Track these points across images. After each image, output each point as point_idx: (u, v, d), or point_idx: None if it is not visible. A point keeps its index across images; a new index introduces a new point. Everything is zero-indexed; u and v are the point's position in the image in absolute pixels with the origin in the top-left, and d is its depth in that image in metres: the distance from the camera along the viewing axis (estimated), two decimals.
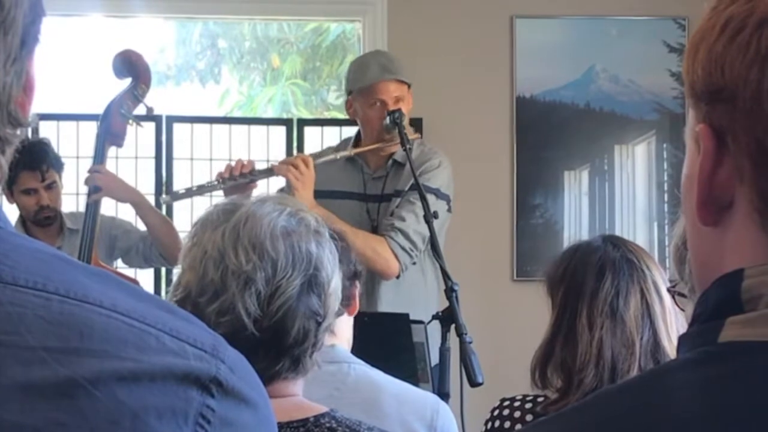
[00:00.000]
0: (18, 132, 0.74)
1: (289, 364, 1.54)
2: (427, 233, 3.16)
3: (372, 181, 3.59)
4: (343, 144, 3.73)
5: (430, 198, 3.35)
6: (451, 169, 3.57)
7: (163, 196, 4.56)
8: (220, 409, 0.69)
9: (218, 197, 3.53)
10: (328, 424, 1.55)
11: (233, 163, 3.47)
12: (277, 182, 4.14)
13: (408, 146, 3.31)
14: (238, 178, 3.40)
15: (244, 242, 1.52)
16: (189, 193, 3.59)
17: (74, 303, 0.68)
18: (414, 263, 3.45)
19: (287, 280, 1.51)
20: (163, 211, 4.73)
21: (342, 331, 2.00)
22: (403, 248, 3.38)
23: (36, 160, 3.74)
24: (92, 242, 3.51)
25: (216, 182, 3.45)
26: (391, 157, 3.55)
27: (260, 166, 3.55)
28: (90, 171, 3.57)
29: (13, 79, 0.72)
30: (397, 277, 3.43)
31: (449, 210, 3.53)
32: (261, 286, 1.50)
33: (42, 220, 3.76)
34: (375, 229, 3.49)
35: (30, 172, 3.74)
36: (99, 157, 3.54)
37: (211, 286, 1.51)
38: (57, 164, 3.81)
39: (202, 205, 4.53)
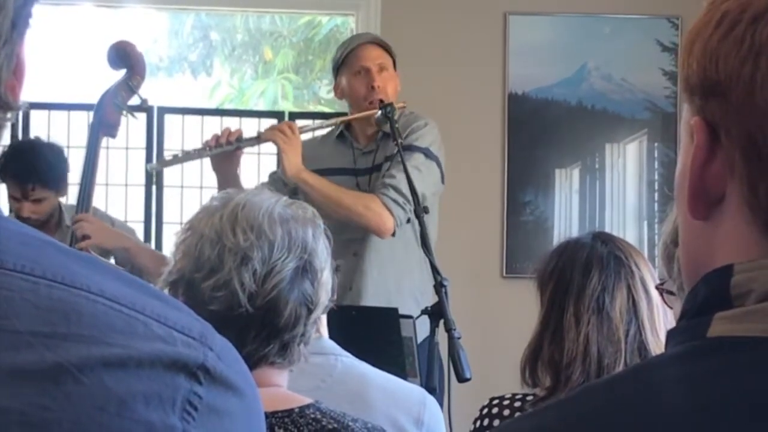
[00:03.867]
0: (8, 115, 0.74)
1: (278, 349, 1.56)
2: (420, 190, 3.13)
3: (362, 156, 3.58)
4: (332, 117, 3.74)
5: (419, 157, 3.36)
6: (438, 132, 3.54)
7: (151, 163, 4.53)
8: (207, 396, 0.69)
9: (210, 189, 3.51)
10: (312, 415, 1.56)
11: (220, 132, 3.45)
12: (268, 164, 4.12)
13: (399, 141, 3.30)
14: (225, 146, 3.38)
15: (242, 224, 1.55)
16: (176, 159, 3.58)
17: (62, 288, 0.68)
18: (409, 219, 3.42)
19: (282, 262, 1.53)
20: (153, 202, 4.72)
21: (323, 326, 2.00)
22: (396, 202, 3.36)
23: (23, 174, 3.63)
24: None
25: (203, 148, 3.43)
26: (380, 130, 3.54)
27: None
28: (74, 219, 3.48)
29: (3, 62, 0.72)
30: (393, 234, 3.41)
31: (442, 180, 3.51)
32: (257, 264, 1.52)
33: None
34: None
35: (13, 183, 3.67)
36: (93, 147, 3.52)
37: (207, 264, 1.54)
38: (51, 182, 3.68)
39: (192, 197, 4.53)
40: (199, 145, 3.49)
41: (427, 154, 3.45)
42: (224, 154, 3.38)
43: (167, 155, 3.66)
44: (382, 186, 3.40)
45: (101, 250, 3.62)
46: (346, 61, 3.54)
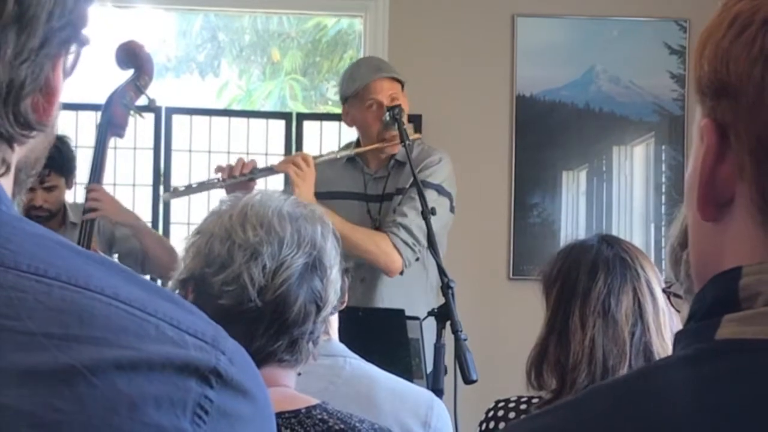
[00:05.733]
0: (32, 134, 0.74)
1: (286, 345, 1.57)
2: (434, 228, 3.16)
3: (373, 182, 3.59)
4: (345, 147, 3.73)
5: (432, 194, 3.35)
6: (452, 167, 3.56)
7: (163, 193, 4.55)
8: (218, 400, 0.69)
9: (218, 191, 3.52)
10: (319, 416, 1.56)
11: (233, 163, 3.46)
12: (277, 181, 4.15)
13: (407, 142, 3.31)
14: (239, 177, 3.39)
15: (252, 220, 1.56)
16: (189, 190, 3.59)
17: (75, 290, 0.68)
18: (417, 259, 3.44)
19: (292, 258, 1.55)
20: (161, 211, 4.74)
21: (333, 328, 2.01)
22: (405, 243, 3.37)
23: None
24: (91, 233, 3.49)
25: (216, 180, 3.44)
26: (393, 157, 3.55)
27: (260, 162, 3.55)
28: (87, 189, 3.53)
29: (26, 78, 0.71)
30: (401, 273, 3.42)
31: (452, 210, 3.53)
32: (267, 258, 1.54)
33: (30, 218, 3.70)
34: (377, 229, 3.48)
35: None
36: (100, 147, 3.53)
37: (218, 260, 1.55)
38: (64, 168, 3.71)
39: (200, 201, 4.53)
40: (213, 176, 3.50)
41: (440, 190, 3.46)
42: (237, 184, 3.39)
43: (180, 186, 3.69)
44: (393, 224, 3.40)
45: (109, 238, 3.65)
46: (357, 94, 3.55)
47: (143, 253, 3.74)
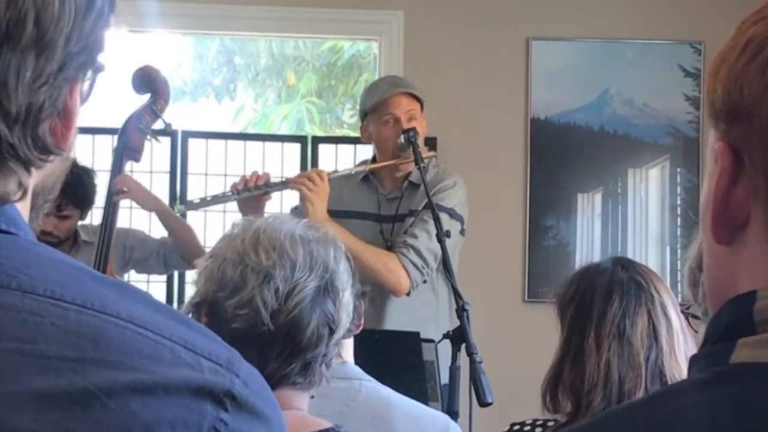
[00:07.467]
0: (50, 158, 0.74)
1: (299, 368, 1.57)
2: (439, 251, 3.16)
3: (386, 202, 3.59)
4: (360, 164, 3.74)
5: (444, 217, 3.34)
6: (466, 191, 3.56)
7: (178, 205, 4.57)
8: (233, 423, 0.70)
9: (233, 213, 3.53)
10: None
11: (248, 175, 3.47)
12: (292, 196, 4.15)
13: (422, 165, 3.31)
14: (253, 190, 3.40)
15: (265, 244, 1.56)
16: (203, 202, 3.60)
17: (91, 313, 0.69)
18: (425, 281, 3.44)
19: (304, 281, 1.55)
20: None
21: (347, 351, 2.01)
22: (414, 265, 3.37)
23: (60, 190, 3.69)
24: (109, 247, 3.49)
25: (231, 193, 3.45)
26: (407, 178, 3.56)
27: (275, 180, 3.55)
28: (118, 178, 3.55)
29: (45, 101, 0.72)
30: (408, 294, 3.42)
31: (462, 232, 3.52)
32: (280, 282, 1.54)
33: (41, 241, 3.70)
34: (389, 250, 3.48)
35: None
36: (116, 171, 3.55)
37: (231, 283, 1.55)
38: (81, 201, 3.69)
39: (215, 217, 4.54)
40: (227, 189, 3.51)
41: (452, 214, 3.46)
42: (251, 197, 3.40)
43: (195, 198, 3.72)
44: (403, 245, 3.40)
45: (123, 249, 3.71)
46: (376, 108, 3.56)
47: (162, 249, 3.76)
